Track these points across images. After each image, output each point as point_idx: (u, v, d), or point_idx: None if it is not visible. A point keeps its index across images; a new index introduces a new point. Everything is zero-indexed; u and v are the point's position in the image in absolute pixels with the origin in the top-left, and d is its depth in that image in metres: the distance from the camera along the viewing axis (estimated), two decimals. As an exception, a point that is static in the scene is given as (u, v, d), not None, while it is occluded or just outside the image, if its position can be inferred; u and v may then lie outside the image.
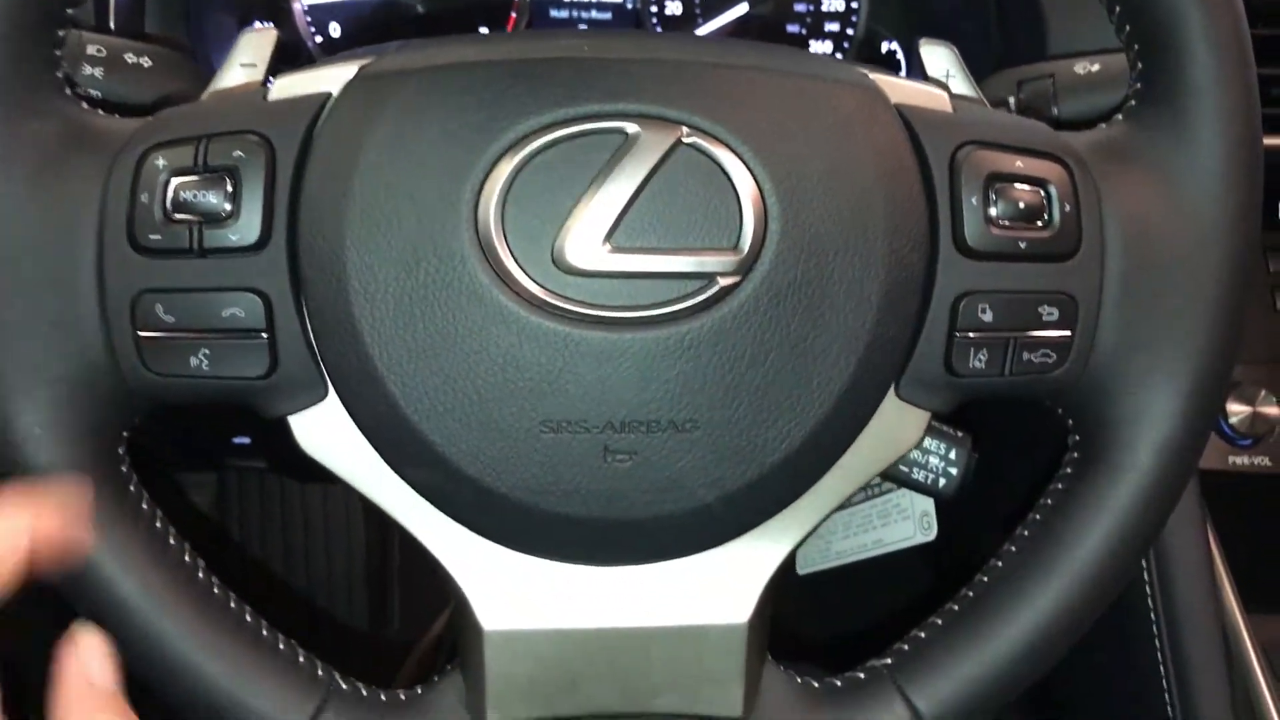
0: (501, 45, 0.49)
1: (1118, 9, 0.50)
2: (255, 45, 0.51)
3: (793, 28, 0.92)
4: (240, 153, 0.45)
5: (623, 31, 0.71)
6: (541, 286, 0.45)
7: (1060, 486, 0.52)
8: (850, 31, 0.92)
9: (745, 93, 0.46)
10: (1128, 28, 0.50)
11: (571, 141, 0.45)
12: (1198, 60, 0.48)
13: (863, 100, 0.48)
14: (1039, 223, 0.48)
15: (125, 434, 0.49)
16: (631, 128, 0.45)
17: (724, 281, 0.45)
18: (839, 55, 0.93)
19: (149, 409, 0.49)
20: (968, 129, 0.49)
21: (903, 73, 0.91)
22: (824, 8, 0.92)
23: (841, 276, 0.46)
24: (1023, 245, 0.48)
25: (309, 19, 0.88)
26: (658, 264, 0.45)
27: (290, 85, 0.48)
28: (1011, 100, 0.65)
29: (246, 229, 0.45)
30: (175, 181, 0.45)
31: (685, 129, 0.45)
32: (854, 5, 0.92)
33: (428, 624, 1.09)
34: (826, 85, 0.48)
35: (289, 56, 0.86)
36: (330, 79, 0.47)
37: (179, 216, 0.45)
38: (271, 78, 0.49)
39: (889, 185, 0.47)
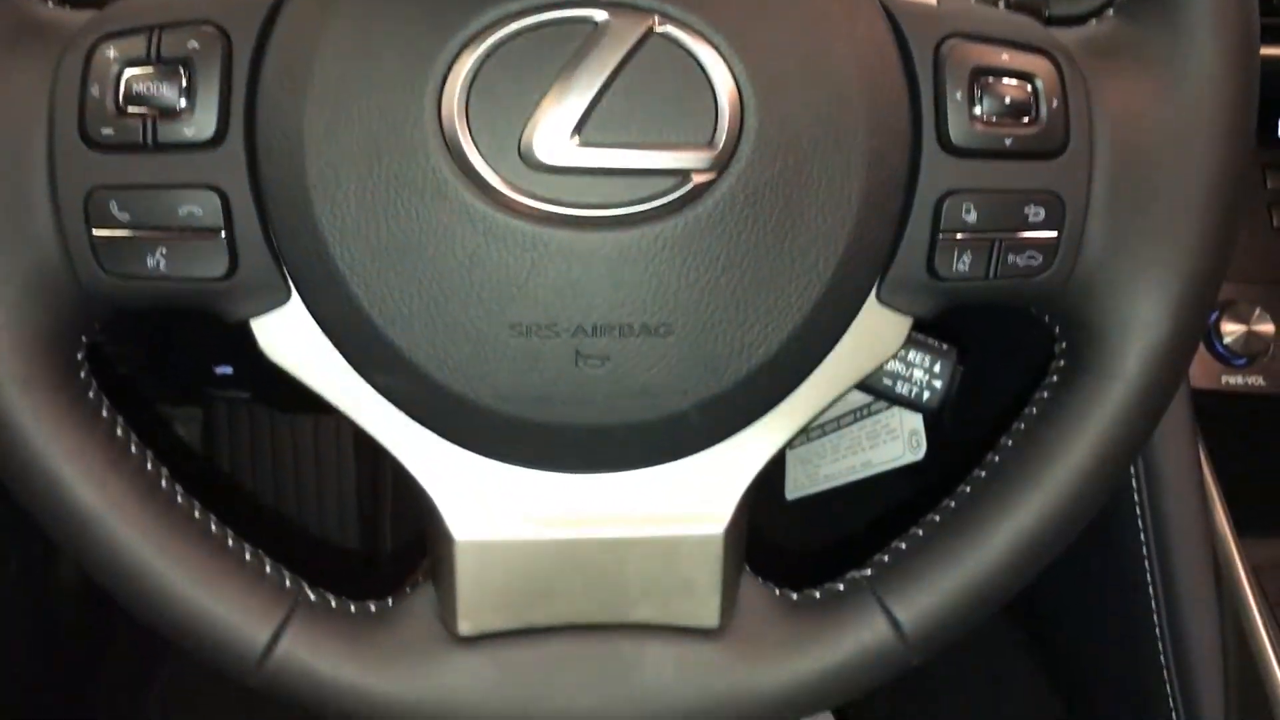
0: None
1: None
2: None
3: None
4: (195, 43, 0.44)
5: None
6: (508, 183, 0.43)
7: (1045, 395, 0.51)
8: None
9: None
10: None
11: (538, 31, 0.43)
12: None
13: None
14: (1025, 119, 0.46)
15: (84, 339, 0.47)
16: (600, 15, 0.43)
17: (698, 179, 0.44)
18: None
19: (107, 315, 0.47)
20: (953, 21, 0.47)
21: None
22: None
23: (820, 174, 0.45)
24: (1008, 142, 0.46)
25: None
26: (629, 159, 0.44)
27: None
28: (1000, 3, 0.62)
29: (202, 123, 0.44)
30: (128, 73, 0.44)
31: (657, 18, 0.43)
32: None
33: (419, 557, 1.09)
34: None
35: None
36: None
37: (132, 110, 0.43)
38: None
39: (870, 79, 0.45)
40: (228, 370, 0.95)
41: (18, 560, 0.90)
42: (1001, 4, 0.62)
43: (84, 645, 1.01)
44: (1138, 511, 0.70)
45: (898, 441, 0.70)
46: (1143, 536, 0.69)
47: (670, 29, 0.43)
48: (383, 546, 1.21)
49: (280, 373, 0.48)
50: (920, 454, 0.69)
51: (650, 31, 0.43)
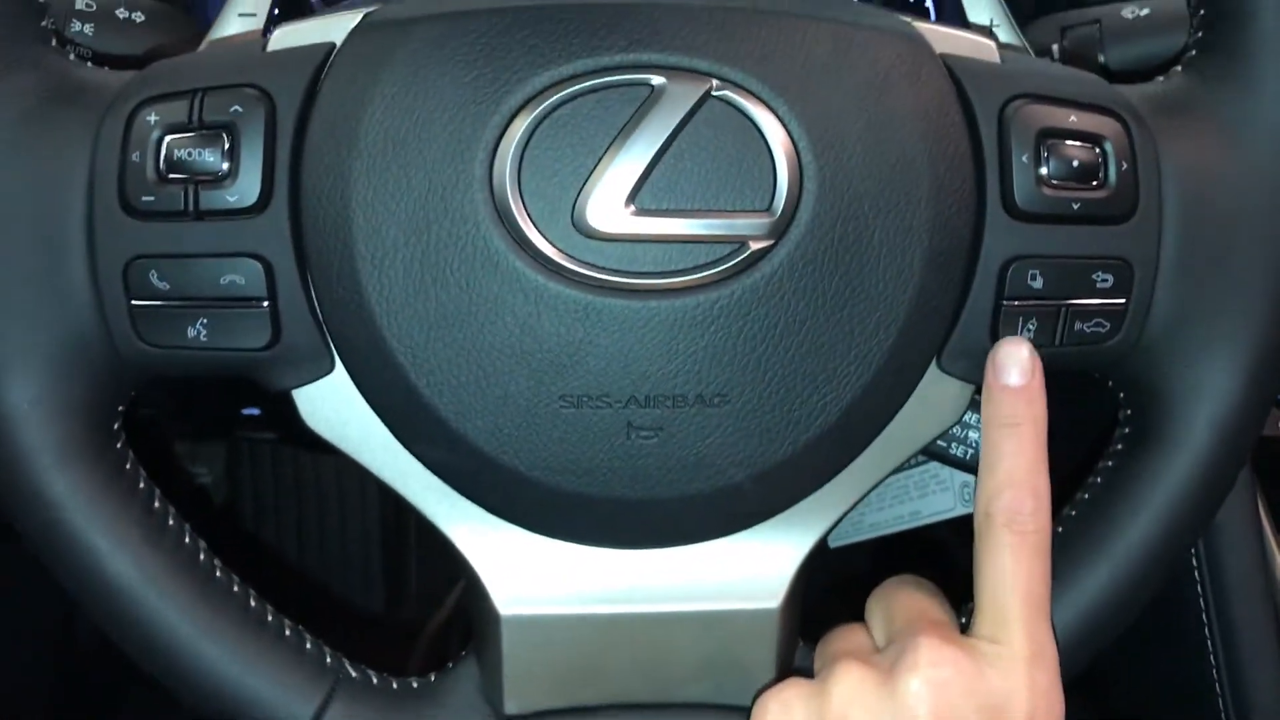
0: None
1: None
2: None
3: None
4: (238, 107, 0.42)
5: None
6: (561, 251, 0.42)
7: (1111, 464, 0.49)
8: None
9: (779, 41, 0.43)
10: None
11: (593, 95, 0.42)
12: (1266, 6, 0.45)
13: (905, 50, 0.44)
14: (1093, 182, 0.45)
15: (120, 408, 0.46)
16: (657, 80, 0.42)
17: (756, 246, 0.42)
18: None
19: (145, 382, 0.46)
20: (1017, 81, 0.45)
21: (932, 15, 0.87)
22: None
23: (882, 240, 0.43)
24: (1076, 207, 0.45)
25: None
26: (685, 227, 0.42)
27: (291, 35, 0.45)
28: (1055, 48, 0.61)
29: (245, 189, 0.42)
30: (169, 139, 0.42)
31: (715, 81, 0.42)
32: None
33: (445, 599, 1.07)
34: (866, 33, 0.44)
35: (290, 5, 0.83)
36: (333, 28, 0.44)
37: (173, 176, 0.42)
38: (271, 28, 0.46)
39: (933, 142, 0.44)
40: (255, 411, 0.94)
41: (38, 608, 0.89)
42: (1056, 49, 0.60)
43: (103, 692, 1.00)
44: (1194, 564, 0.68)
45: (948, 494, 0.68)
46: (1200, 591, 0.68)
47: (728, 92, 0.42)
48: (409, 590, 1.20)
49: (321, 440, 0.47)
50: (972, 508, 0.67)
51: (708, 95, 0.42)
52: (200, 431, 1.07)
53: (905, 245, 0.43)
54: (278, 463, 1.17)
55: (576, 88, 0.42)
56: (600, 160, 0.42)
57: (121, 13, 0.57)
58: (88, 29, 0.56)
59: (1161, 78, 0.49)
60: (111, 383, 0.45)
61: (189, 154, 0.42)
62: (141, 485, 0.46)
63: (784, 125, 0.42)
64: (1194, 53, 0.48)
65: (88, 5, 0.56)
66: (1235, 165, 0.46)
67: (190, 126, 0.42)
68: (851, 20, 0.45)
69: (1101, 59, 0.59)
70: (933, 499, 0.69)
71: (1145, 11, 0.59)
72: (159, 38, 0.58)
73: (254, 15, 0.48)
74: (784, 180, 0.42)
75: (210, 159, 0.42)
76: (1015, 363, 0.45)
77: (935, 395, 0.47)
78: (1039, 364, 0.45)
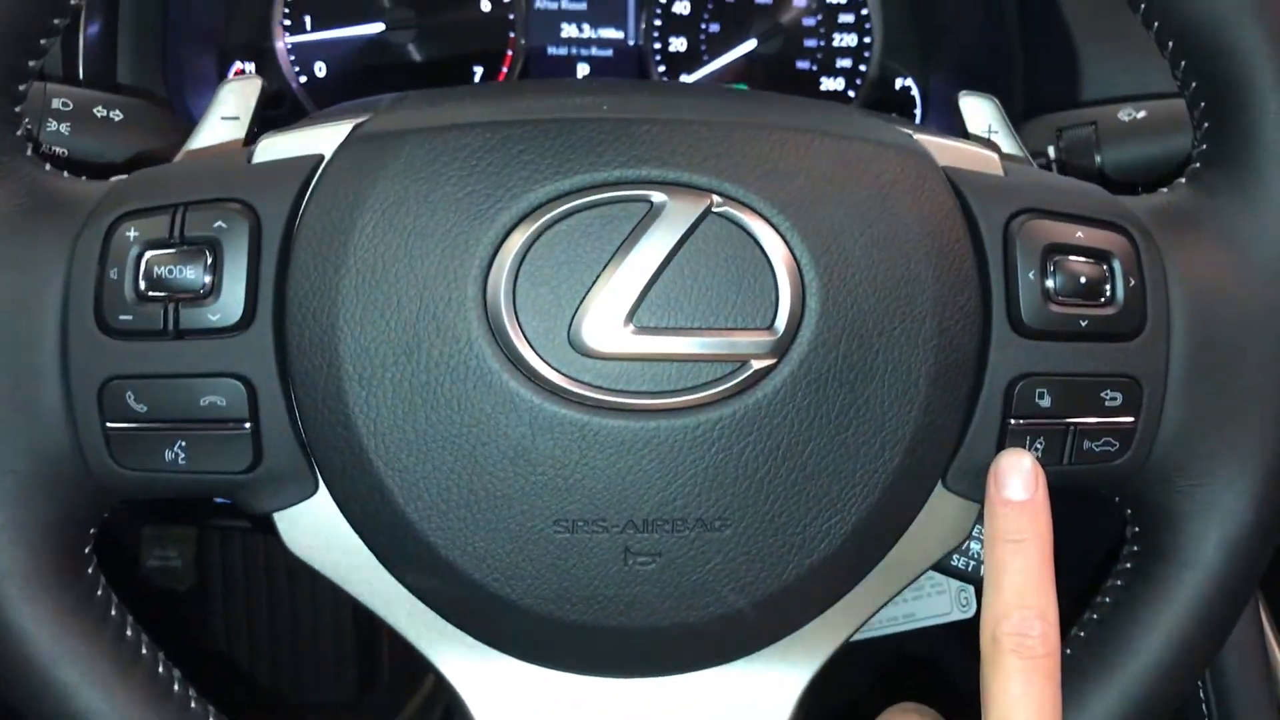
0: (511, 101, 0.45)
1: (1183, 62, 0.46)
2: (238, 95, 0.47)
3: (803, 64, 0.88)
4: (221, 223, 0.41)
5: (641, 84, 0.66)
6: (557, 371, 0.40)
7: (1120, 583, 0.48)
8: (863, 68, 0.88)
9: (779, 156, 0.42)
10: (1194, 83, 0.46)
11: (590, 211, 0.41)
12: (1271, 119, 0.44)
13: (908, 164, 0.44)
14: (1101, 299, 0.44)
15: (92, 530, 0.44)
16: (657, 196, 0.41)
17: (758, 364, 0.41)
18: (851, 93, 0.88)
19: (118, 504, 0.44)
20: (1022, 195, 0.45)
21: (918, 110, 0.87)
22: (835, 43, 0.88)
23: (887, 358, 0.42)
24: (1084, 324, 0.44)
25: (292, 59, 0.84)
26: (685, 346, 0.41)
27: (276, 146, 0.43)
28: (1051, 150, 0.60)
29: (228, 308, 0.41)
30: (149, 255, 0.41)
31: (715, 197, 0.41)
32: (866, 41, 0.88)
33: (419, 674, 1.03)
34: (868, 147, 0.43)
35: (272, 100, 0.82)
36: (321, 139, 0.43)
37: (152, 294, 0.41)
38: (256, 130, 0.45)
39: (938, 258, 0.43)
40: (227, 500, 0.91)
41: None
42: (1052, 151, 0.60)
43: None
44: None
45: (944, 597, 0.66)
46: (1202, 695, 0.66)
47: (728, 208, 0.41)
48: (381, 678, 1.17)
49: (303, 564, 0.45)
50: (969, 613, 0.66)
51: (708, 211, 0.41)
52: (170, 516, 1.05)
53: (910, 363, 0.42)
54: (248, 548, 1.14)
55: (574, 204, 0.41)
56: (598, 277, 0.41)
57: (100, 111, 0.55)
58: (64, 128, 0.55)
59: (1165, 189, 0.48)
60: (84, 506, 0.43)
61: (169, 271, 0.41)
62: (113, 612, 0.44)
63: (785, 241, 0.41)
64: (1198, 165, 0.47)
65: (64, 104, 0.54)
66: (1243, 280, 0.45)
67: (171, 242, 0.41)
68: (853, 134, 0.44)
69: (1098, 160, 0.59)
70: (929, 602, 0.68)
71: (1142, 114, 0.59)
72: (140, 136, 0.56)
73: (237, 118, 0.46)
74: (786, 297, 0.41)
75: (192, 276, 0.41)
76: (1018, 476, 0.44)
77: (941, 515, 0.45)
78: (1043, 477, 0.44)
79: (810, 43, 0.88)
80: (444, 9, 0.84)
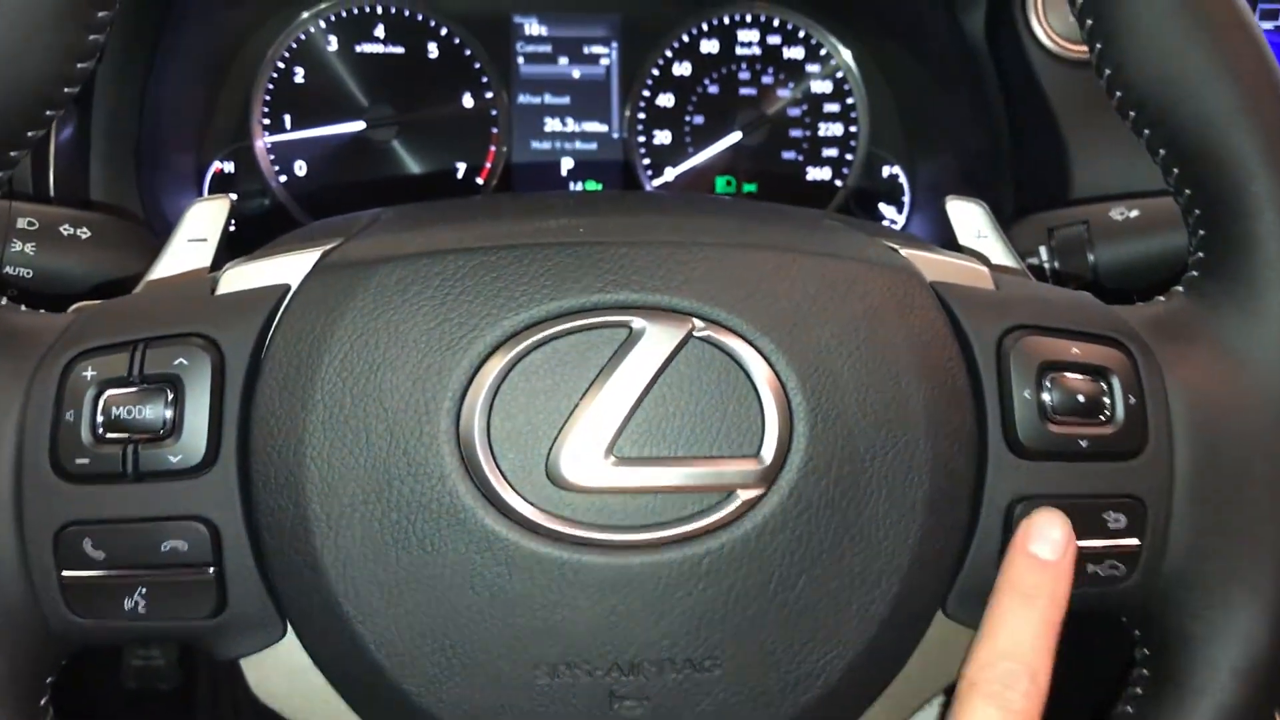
0: (484, 224, 0.44)
1: (1176, 170, 0.44)
2: (205, 217, 0.46)
3: (789, 154, 0.87)
4: (183, 360, 0.39)
5: (618, 198, 0.64)
6: (534, 507, 0.39)
7: (1129, 709, 0.46)
8: (849, 156, 0.88)
9: (762, 276, 0.41)
10: (1187, 190, 0.44)
11: (567, 338, 0.39)
12: (1269, 228, 0.43)
13: (895, 281, 0.42)
14: (1100, 417, 0.42)
15: (49, 680, 0.42)
16: (636, 321, 0.39)
17: (745, 495, 0.39)
18: (838, 182, 0.88)
19: (76, 652, 0.42)
20: (1014, 310, 0.43)
21: (906, 198, 0.86)
22: (821, 133, 0.87)
23: (880, 484, 0.40)
24: (1083, 444, 0.42)
25: (272, 158, 0.83)
26: (668, 477, 0.39)
27: (241, 276, 0.42)
28: (1043, 250, 0.59)
29: (190, 448, 0.39)
30: (107, 394, 0.39)
31: (696, 321, 0.39)
32: (853, 130, 0.87)
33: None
34: (854, 265, 0.42)
35: (250, 195, 0.81)
36: (287, 269, 0.42)
37: (111, 436, 0.39)
38: (224, 261, 0.44)
39: (929, 378, 0.41)
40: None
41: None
42: (1044, 251, 0.59)
43: None
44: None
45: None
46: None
47: (711, 333, 0.39)
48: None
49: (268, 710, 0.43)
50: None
51: (689, 337, 0.39)
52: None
53: (905, 487, 0.40)
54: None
55: (550, 331, 0.39)
56: (576, 407, 0.39)
57: (66, 229, 0.54)
58: (29, 248, 0.53)
59: (1162, 298, 0.47)
60: (39, 658, 0.41)
61: (128, 411, 0.39)
62: None
63: (770, 364, 0.40)
64: (1194, 273, 0.46)
65: (30, 224, 0.53)
66: (1245, 392, 0.44)
67: (130, 381, 0.39)
68: (836, 252, 0.43)
69: (1091, 260, 0.58)
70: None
71: (1135, 213, 0.57)
72: (109, 254, 0.55)
73: (204, 240, 0.45)
74: (773, 423, 0.39)
75: (152, 416, 0.39)
76: (1050, 537, 0.41)
77: (942, 644, 0.43)
78: (1073, 549, 0.41)
79: (796, 133, 0.87)
80: (425, 106, 0.84)
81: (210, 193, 0.78)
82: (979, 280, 0.44)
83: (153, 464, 0.39)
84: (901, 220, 0.86)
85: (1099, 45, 0.44)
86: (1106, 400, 0.42)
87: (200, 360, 0.39)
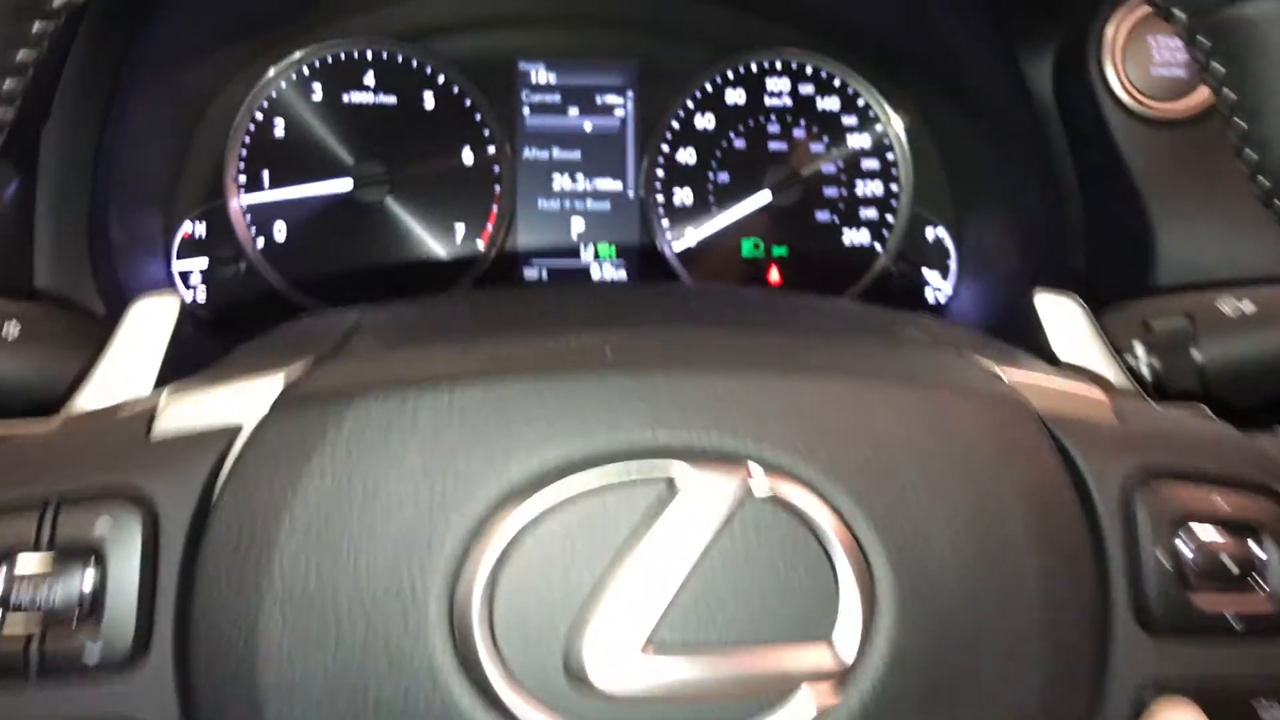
0: (485, 337, 0.36)
1: None
2: (149, 321, 0.38)
3: (823, 215, 0.80)
4: (106, 522, 0.31)
5: (648, 298, 0.54)
6: (549, 714, 0.31)
7: None
8: (890, 218, 0.80)
9: (836, 414, 0.33)
10: None
11: (590, 497, 0.32)
12: None
13: (1001, 418, 0.35)
14: (1247, 582, 0.35)
15: None
16: (678, 470, 0.32)
17: (818, 698, 0.31)
18: (877, 245, 0.80)
19: None
20: (1144, 448, 0.36)
21: (953, 263, 0.78)
22: (859, 192, 0.80)
23: (986, 677, 0.33)
24: (1230, 617, 0.34)
25: (249, 219, 0.75)
26: (719, 671, 0.31)
27: (184, 410, 0.34)
28: (1139, 346, 0.51)
29: (114, 638, 0.32)
30: (5, 569, 0.31)
31: (751, 466, 0.32)
32: (894, 189, 0.80)
33: None
34: (950, 397, 0.34)
35: (224, 260, 0.73)
36: (239, 403, 0.34)
37: (11, 622, 0.32)
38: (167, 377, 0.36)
39: (1045, 543, 0.34)
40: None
41: None
42: (1140, 349, 0.50)
43: None
44: None
45: None
46: None
47: (772, 485, 0.31)
48: None
49: None
50: None
51: (747, 493, 0.31)
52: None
53: (1014, 683, 0.34)
54: None
55: (568, 486, 0.32)
56: (601, 585, 0.32)
57: (-8, 326, 0.46)
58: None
59: None
60: None
61: (34, 592, 0.31)
62: None
63: (847, 525, 0.32)
64: None
65: (-61, 319, 0.45)
66: None
67: (38, 546, 0.32)
68: (928, 377, 0.35)
69: (1197, 359, 0.49)
70: None
71: (1250, 308, 0.49)
72: (43, 351, 0.47)
73: (146, 353, 0.37)
74: (851, 601, 0.32)
75: (64, 596, 0.32)
76: None
77: None
78: None
79: (831, 192, 0.80)
80: (419, 162, 0.76)
81: (179, 258, 0.70)
82: (1098, 411, 0.37)
83: (65, 659, 0.32)
84: (948, 288, 0.79)
85: (1240, 123, 0.36)
86: (1259, 564, 0.35)
87: (128, 524, 0.33)
